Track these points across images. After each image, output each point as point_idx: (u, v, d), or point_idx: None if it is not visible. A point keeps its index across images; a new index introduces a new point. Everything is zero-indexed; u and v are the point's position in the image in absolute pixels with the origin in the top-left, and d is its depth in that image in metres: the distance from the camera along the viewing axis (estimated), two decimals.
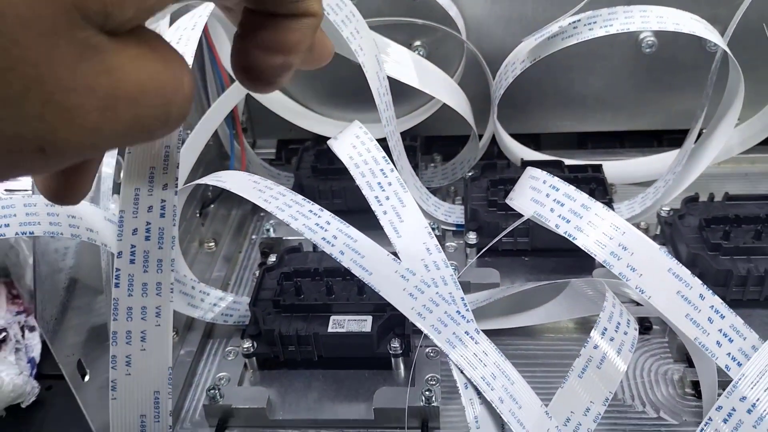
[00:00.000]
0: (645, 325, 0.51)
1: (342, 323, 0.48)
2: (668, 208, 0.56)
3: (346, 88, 0.67)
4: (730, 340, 0.35)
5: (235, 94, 0.55)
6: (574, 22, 0.51)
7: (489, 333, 0.50)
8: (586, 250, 0.37)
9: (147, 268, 0.31)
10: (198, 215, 0.60)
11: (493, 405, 0.35)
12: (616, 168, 0.64)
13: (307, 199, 0.40)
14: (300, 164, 0.64)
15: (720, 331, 0.35)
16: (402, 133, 0.66)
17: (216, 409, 0.46)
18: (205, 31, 0.57)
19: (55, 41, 0.15)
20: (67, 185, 0.22)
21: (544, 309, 0.50)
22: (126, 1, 0.16)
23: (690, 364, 0.47)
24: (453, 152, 0.67)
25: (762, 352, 0.34)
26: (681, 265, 0.36)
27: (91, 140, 0.17)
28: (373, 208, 0.41)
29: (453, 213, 0.61)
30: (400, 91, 0.58)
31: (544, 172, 0.41)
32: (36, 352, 0.53)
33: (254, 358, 0.49)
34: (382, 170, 0.43)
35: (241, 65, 0.23)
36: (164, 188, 0.30)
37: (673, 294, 0.35)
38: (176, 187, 0.30)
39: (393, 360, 0.48)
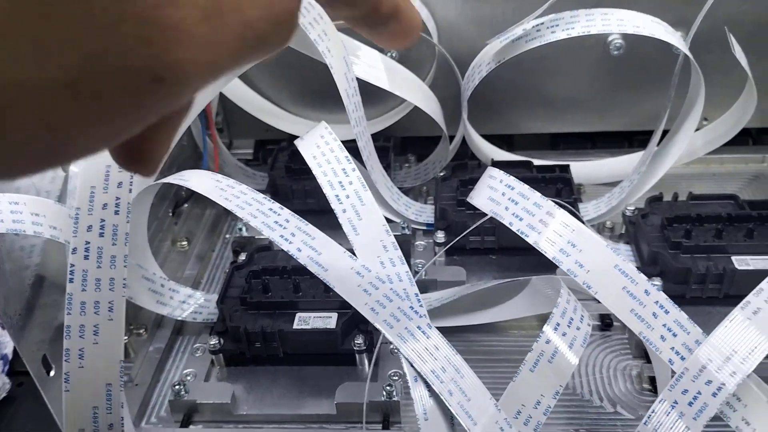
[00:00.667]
0: (606, 322, 0.52)
1: (307, 320, 0.49)
2: (633, 208, 0.57)
3: (320, 89, 0.68)
4: (674, 335, 0.36)
5: (207, 91, 0.56)
6: (537, 25, 0.52)
7: (454, 329, 0.51)
8: (536, 247, 0.38)
9: (101, 264, 0.31)
10: (171, 214, 0.60)
11: (442, 397, 0.36)
12: (585, 168, 0.65)
13: (268, 198, 0.41)
14: (274, 164, 0.65)
15: (664, 326, 0.36)
16: (376, 134, 0.67)
17: (181, 405, 0.46)
18: None
19: None
20: (143, 146, 0.18)
21: (506, 306, 0.50)
22: None
23: (648, 360, 0.48)
24: (427, 153, 0.68)
25: (705, 346, 0.35)
26: (627, 261, 0.37)
27: (207, 57, 0.15)
28: (333, 206, 0.42)
29: (424, 212, 0.62)
30: (373, 93, 0.59)
31: (502, 172, 0.42)
32: (9, 350, 0.54)
33: (221, 354, 0.49)
34: (344, 169, 0.44)
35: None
36: (119, 186, 0.31)
37: (618, 290, 0.36)
38: (131, 185, 0.31)
39: (357, 356, 0.48)
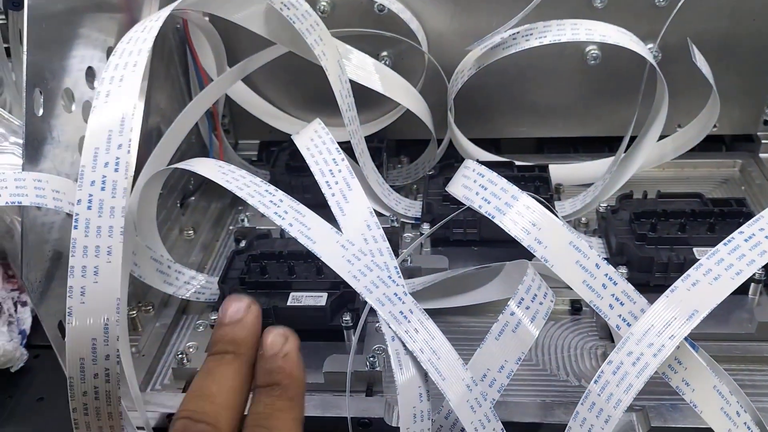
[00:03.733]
0: (575, 307, 0.56)
1: (300, 299, 0.53)
2: (606, 205, 0.61)
3: (319, 93, 0.72)
4: (621, 304, 0.40)
5: (213, 91, 0.60)
6: (513, 33, 0.56)
7: (437, 311, 0.56)
8: (502, 227, 0.42)
9: (101, 213, 0.37)
10: (179, 205, 0.65)
11: (414, 354, 0.40)
12: (565, 170, 0.70)
13: (264, 182, 0.45)
14: (276, 162, 0.70)
15: (612, 295, 0.40)
16: (371, 136, 0.72)
17: (183, 372, 0.51)
18: (188, 38, 0.63)
19: None
20: None
21: (482, 290, 0.55)
22: None
23: (613, 340, 0.52)
24: (419, 154, 0.73)
25: (649, 313, 0.39)
26: (580, 238, 0.41)
27: None
28: (323, 190, 0.46)
29: (412, 208, 0.66)
30: (368, 99, 0.64)
31: (475, 162, 0.47)
32: (27, 325, 0.59)
33: None
34: (333, 159, 0.48)
35: None
36: (119, 148, 0.36)
37: (572, 263, 0.41)
38: (129, 147, 0.36)
39: (345, 332, 0.53)
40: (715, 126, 0.71)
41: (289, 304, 0.53)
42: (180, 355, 0.51)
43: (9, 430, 0.52)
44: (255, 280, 0.54)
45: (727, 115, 0.70)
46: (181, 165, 0.48)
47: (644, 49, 0.58)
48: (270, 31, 0.57)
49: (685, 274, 0.40)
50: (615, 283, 0.40)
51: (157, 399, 0.50)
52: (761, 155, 0.71)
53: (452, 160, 0.70)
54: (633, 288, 0.40)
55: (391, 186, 0.68)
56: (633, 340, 0.39)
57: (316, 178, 0.48)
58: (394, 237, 0.62)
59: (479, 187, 0.45)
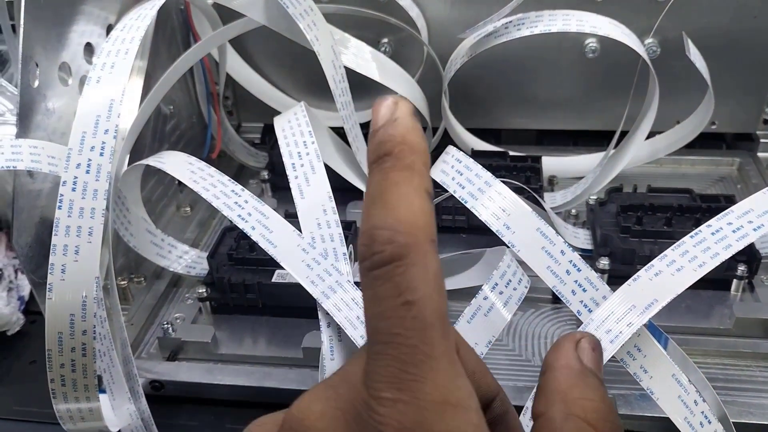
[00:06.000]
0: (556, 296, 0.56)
1: (285, 276, 0.55)
2: (596, 197, 0.62)
3: (321, 78, 0.73)
4: (584, 290, 0.41)
5: (192, 56, 0.60)
6: (506, 23, 0.57)
7: None
8: (473, 211, 0.43)
9: (85, 195, 0.38)
10: (178, 183, 0.67)
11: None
12: (560, 162, 0.70)
13: (232, 181, 0.46)
14: (274, 145, 0.71)
15: (576, 282, 0.41)
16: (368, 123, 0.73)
17: (168, 342, 0.53)
18: (190, 19, 0.65)
19: None
20: None
21: (464, 275, 0.56)
22: None
23: None
24: None
25: (609, 300, 0.40)
26: (548, 225, 0.42)
27: None
28: (288, 172, 0.47)
29: None
30: (367, 86, 0.65)
31: (455, 149, 0.47)
32: (26, 292, 0.61)
33: (208, 302, 0.56)
34: (304, 142, 0.49)
35: None
36: (105, 132, 0.37)
37: (538, 249, 0.41)
38: (116, 132, 0.37)
39: None
40: (714, 124, 0.71)
41: (273, 280, 0.54)
42: (166, 325, 0.53)
43: (0, 390, 0.54)
44: (243, 256, 0.56)
45: (727, 114, 0.70)
46: (151, 161, 0.49)
47: (636, 42, 0.58)
48: (268, 18, 0.58)
49: (648, 264, 0.40)
50: (579, 270, 0.41)
51: (142, 366, 0.52)
52: (759, 154, 0.71)
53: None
54: (597, 275, 0.41)
55: None
56: (592, 326, 0.40)
57: (284, 159, 0.48)
58: None
59: (455, 172, 0.46)
